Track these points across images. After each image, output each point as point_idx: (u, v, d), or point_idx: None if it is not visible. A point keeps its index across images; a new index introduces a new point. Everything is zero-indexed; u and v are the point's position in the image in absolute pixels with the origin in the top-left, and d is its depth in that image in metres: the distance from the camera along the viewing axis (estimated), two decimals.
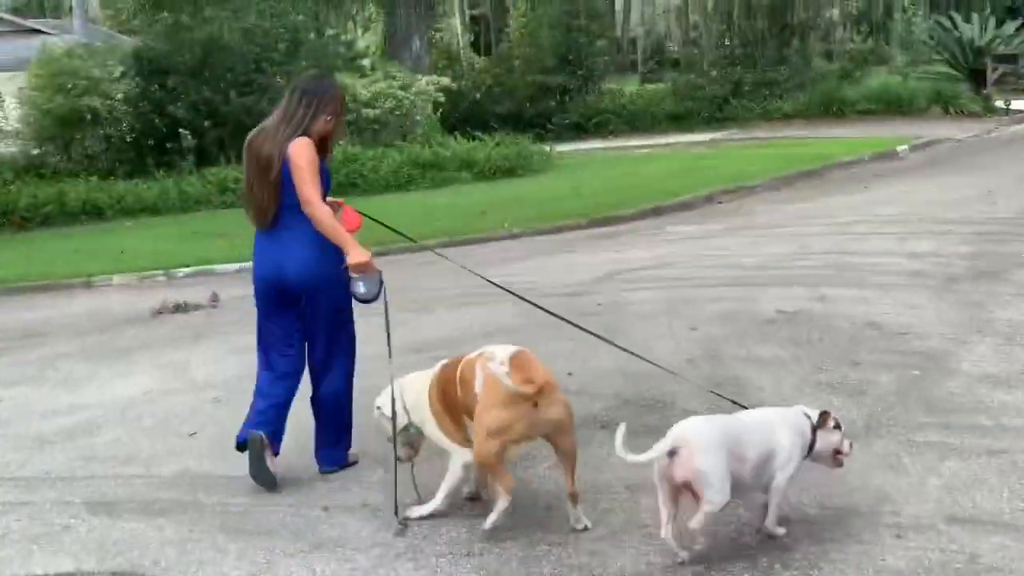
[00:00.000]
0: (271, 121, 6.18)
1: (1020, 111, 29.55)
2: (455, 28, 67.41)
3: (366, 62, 27.78)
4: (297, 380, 6.37)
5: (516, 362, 5.21)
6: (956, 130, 26.15)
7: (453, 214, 17.23)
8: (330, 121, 6.18)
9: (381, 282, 6.06)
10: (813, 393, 7.10)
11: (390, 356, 5.94)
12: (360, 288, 6.03)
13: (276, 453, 6.27)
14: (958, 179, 17.96)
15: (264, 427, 6.16)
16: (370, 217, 6.58)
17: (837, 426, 5.25)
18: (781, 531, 5.08)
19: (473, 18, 74.56)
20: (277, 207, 6.10)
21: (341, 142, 21.93)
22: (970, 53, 32.32)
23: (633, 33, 43.28)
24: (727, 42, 33.03)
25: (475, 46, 71.75)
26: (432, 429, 5.68)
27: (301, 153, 5.98)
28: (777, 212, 15.64)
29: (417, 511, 5.63)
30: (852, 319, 9.02)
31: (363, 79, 24.27)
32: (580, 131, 30.96)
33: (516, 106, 31.77)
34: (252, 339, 6.53)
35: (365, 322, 6.50)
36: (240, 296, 10.83)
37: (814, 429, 5.17)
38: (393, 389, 5.79)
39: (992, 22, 34.26)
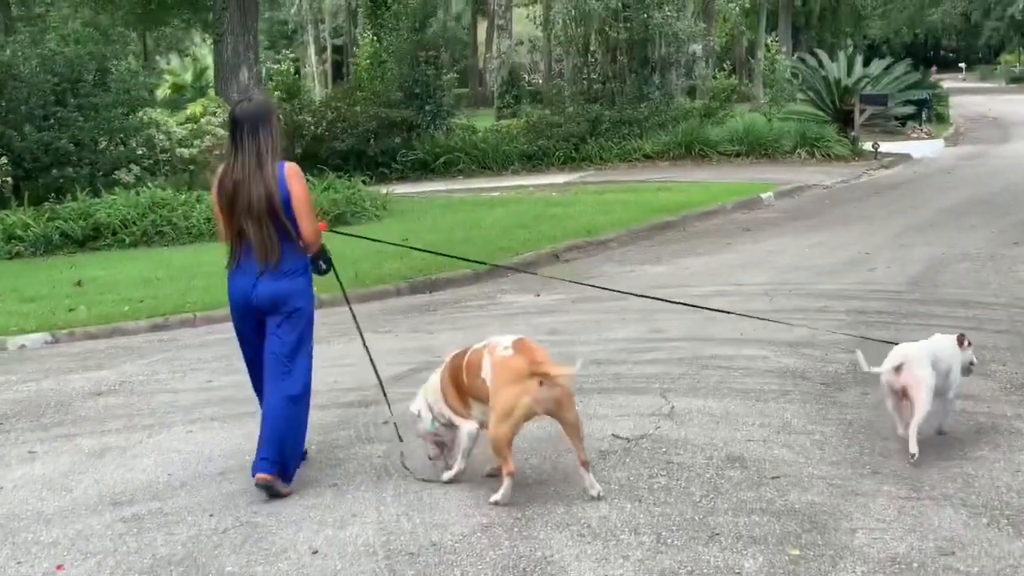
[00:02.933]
0: (239, 162, 6.28)
1: (889, 154, 28.22)
2: (310, 58, 64.88)
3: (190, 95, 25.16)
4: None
5: (519, 346, 6.00)
6: (823, 175, 24.57)
7: None
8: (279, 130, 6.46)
9: (329, 257, 6.88)
10: None
11: (370, 357, 7.31)
12: (323, 266, 6.87)
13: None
14: (830, 236, 16.13)
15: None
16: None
17: (969, 344, 7.04)
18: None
19: (337, 48, 72.29)
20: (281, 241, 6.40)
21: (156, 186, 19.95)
22: (836, 93, 30.95)
23: (490, 65, 41.47)
24: (584, 77, 31.09)
25: (339, 77, 69.35)
26: (445, 410, 6.37)
27: (302, 181, 6.37)
28: (628, 278, 13.55)
29: (447, 475, 6.50)
30: (709, 451, 6.88)
31: (176, 115, 21.68)
32: (427, 170, 28.66)
33: (359, 142, 29.35)
34: None
35: None
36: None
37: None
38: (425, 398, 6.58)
39: (859, 61, 33.07)
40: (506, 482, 6.05)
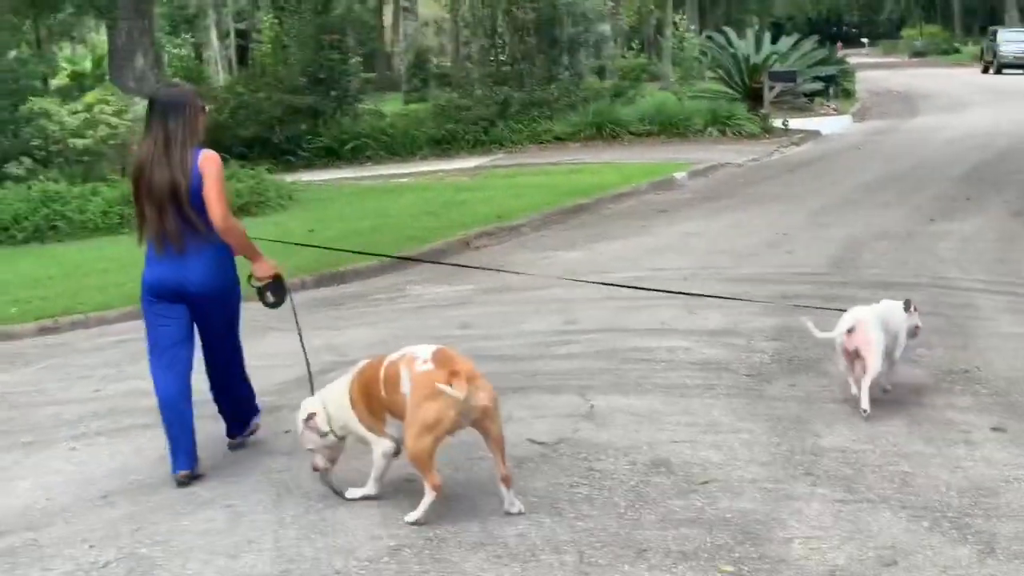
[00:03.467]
0: (149, 148, 6.29)
1: (799, 131, 28.12)
2: (213, 43, 63.62)
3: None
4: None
5: (438, 358, 5.64)
6: (735, 153, 24.33)
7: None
8: (203, 121, 6.45)
9: (286, 289, 6.70)
10: None
11: (307, 359, 6.75)
12: (269, 297, 6.65)
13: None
14: (745, 216, 15.83)
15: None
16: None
17: (915, 309, 7.49)
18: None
19: (241, 33, 70.79)
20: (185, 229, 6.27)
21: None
22: (746, 70, 30.77)
23: (397, 48, 40.79)
24: (492, 59, 30.57)
25: (244, 63, 68.00)
26: (355, 426, 5.95)
27: (218, 169, 6.27)
28: (542, 265, 13.11)
29: (351, 493, 6.03)
30: (633, 455, 6.46)
31: (68, 104, 20.80)
32: (334, 157, 27.94)
33: (264, 130, 28.53)
34: None
35: None
36: None
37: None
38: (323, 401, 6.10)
39: (767, 38, 32.94)
40: (428, 498, 5.62)
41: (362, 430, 5.94)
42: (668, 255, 12.80)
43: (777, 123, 28.13)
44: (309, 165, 27.05)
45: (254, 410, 7.17)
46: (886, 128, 29.85)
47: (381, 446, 5.90)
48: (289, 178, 23.23)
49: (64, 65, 47.00)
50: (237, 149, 26.10)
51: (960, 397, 7.30)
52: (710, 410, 7.21)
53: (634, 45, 39.01)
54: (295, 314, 6.70)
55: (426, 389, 5.51)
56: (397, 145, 28.11)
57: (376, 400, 5.85)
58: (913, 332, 7.47)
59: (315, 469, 6.14)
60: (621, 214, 17.26)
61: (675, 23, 35.73)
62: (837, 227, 14.32)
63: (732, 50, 31.57)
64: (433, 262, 12.38)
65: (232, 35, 67.52)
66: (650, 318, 9.79)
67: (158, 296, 6.43)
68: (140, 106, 21.50)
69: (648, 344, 8.90)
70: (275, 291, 6.66)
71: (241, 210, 19.82)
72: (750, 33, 33.58)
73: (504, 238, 15.66)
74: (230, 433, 7.04)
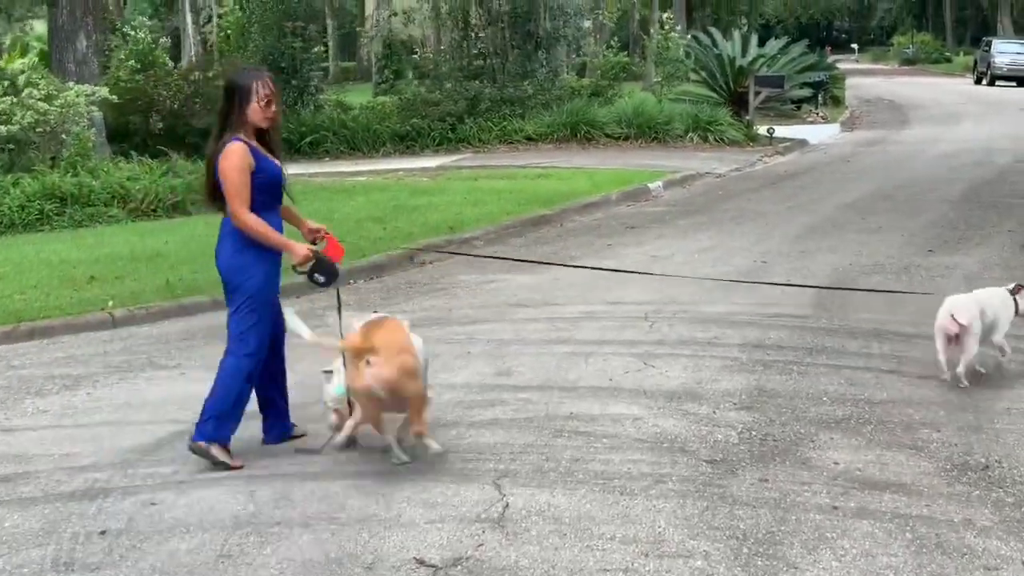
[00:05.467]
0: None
1: (784, 139, 26.55)
2: (188, 28, 61.83)
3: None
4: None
5: (364, 328, 6.21)
6: (716, 162, 22.75)
7: (44, 279, 12.27)
8: (264, 108, 6.34)
9: (332, 265, 6.67)
10: None
11: (341, 335, 6.53)
12: (317, 278, 6.62)
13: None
14: (722, 237, 14.20)
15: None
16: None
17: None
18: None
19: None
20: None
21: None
22: (731, 74, 29.15)
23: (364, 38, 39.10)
24: (464, 53, 28.89)
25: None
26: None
27: (229, 163, 6.27)
28: (488, 290, 11.48)
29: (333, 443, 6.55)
30: None
31: None
32: (292, 151, 26.16)
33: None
34: None
35: None
36: None
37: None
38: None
39: (754, 40, 31.34)
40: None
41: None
42: (630, 286, 11.15)
43: (762, 130, 26.57)
44: None
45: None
46: (876, 139, 28.28)
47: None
48: None
49: (34, 44, 45.03)
50: (192, 139, 24.44)
51: (979, 509, 5.68)
52: (656, 519, 5.58)
53: (613, 43, 37.25)
54: (338, 295, 6.88)
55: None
56: (359, 140, 26.44)
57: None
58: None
59: (331, 428, 6.65)
60: (585, 229, 15.62)
61: (661, 22, 34.04)
62: (823, 255, 12.72)
63: (717, 51, 29.95)
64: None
65: (215, 19, 65.74)
66: (598, 371, 8.16)
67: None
68: (73, 91, 19.78)
69: (590, 410, 7.26)
70: (321, 271, 6.60)
71: (175, 208, 18.26)
72: (737, 35, 31.96)
73: (455, 251, 14.01)
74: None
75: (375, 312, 7.20)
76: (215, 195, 6.46)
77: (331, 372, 6.50)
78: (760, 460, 6.36)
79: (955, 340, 7.69)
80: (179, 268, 12.82)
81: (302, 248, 6.53)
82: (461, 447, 6.68)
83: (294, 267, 6.55)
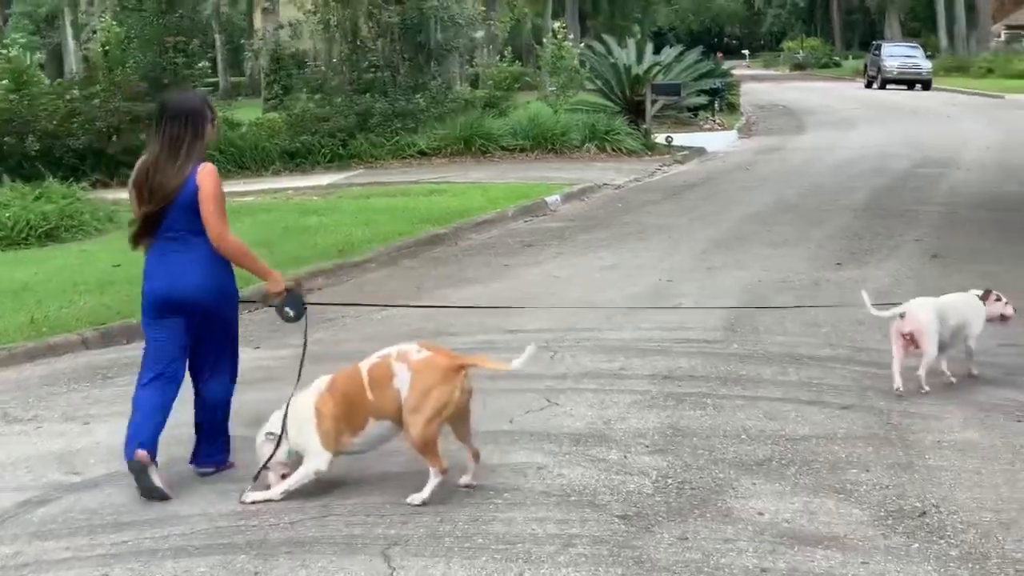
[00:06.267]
0: (154, 153, 6.25)
1: (683, 148, 26.23)
2: (69, 44, 60.09)
3: None
4: (176, 389, 6.42)
5: (426, 346, 6.08)
6: (614, 172, 22.30)
7: None
8: (212, 131, 6.44)
9: (303, 301, 6.62)
10: None
11: (299, 376, 6.39)
12: (286, 312, 6.53)
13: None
14: (625, 254, 13.66)
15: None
16: None
17: (999, 298, 7.88)
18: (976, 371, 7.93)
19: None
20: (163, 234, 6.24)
21: None
22: (627, 82, 28.73)
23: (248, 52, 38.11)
24: (354, 66, 28.09)
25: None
26: (309, 439, 6.02)
27: (212, 185, 6.22)
28: (379, 320, 10.79)
29: (254, 496, 6.04)
30: None
31: None
32: None
33: (98, 140, 25.68)
34: None
35: None
36: None
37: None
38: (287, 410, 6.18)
39: (649, 48, 30.99)
40: (434, 480, 5.94)
41: (314, 441, 6.03)
42: (530, 310, 10.53)
43: (660, 139, 26.24)
44: None
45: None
46: (774, 146, 28.08)
47: (318, 462, 6.05)
48: (122, 195, 20.48)
49: None
50: (70, 161, 23.43)
51: (922, 566, 5.13)
52: None
53: (506, 54, 36.68)
54: (305, 331, 6.63)
55: (432, 374, 5.87)
56: (247, 158, 25.46)
57: (360, 406, 6.01)
58: (999, 318, 7.95)
59: (265, 487, 6.13)
60: (482, 247, 14.98)
61: (554, 30, 33.56)
62: (729, 271, 12.23)
63: (612, 60, 29.53)
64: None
65: (97, 35, 64.05)
66: (496, 411, 7.50)
67: (156, 310, 6.34)
68: None
69: (489, 459, 6.58)
70: (292, 305, 6.53)
71: (48, 236, 17.23)
72: (631, 43, 31.57)
73: (343, 277, 13.31)
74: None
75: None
76: (150, 228, 6.25)
77: (274, 435, 6.15)
78: (678, 514, 5.76)
79: (914, 344, 7.57)
80: (47, 303, 11.89)
81: (281, 280, 6.51)
82: (347, 508, 5.98)
83: (268, 296, 6.58)
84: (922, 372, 7.58)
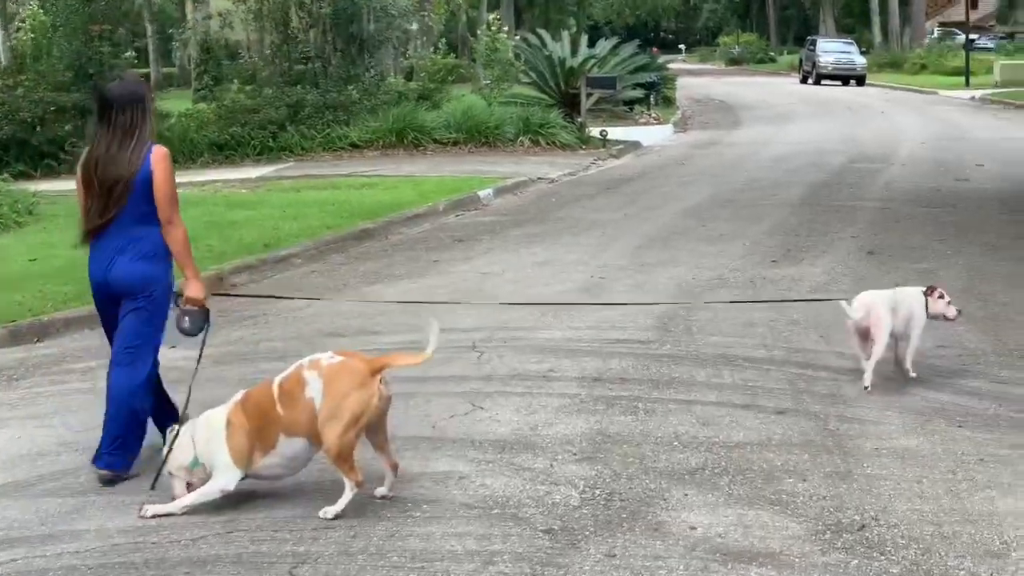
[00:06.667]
0: (104, 141, 6.16)
1: (618, 142, 25.93)
2: None
3: None
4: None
5: (340, 353, 5.75)
6: (548, 166, 21.99)
7: None
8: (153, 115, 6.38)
9: (207, 320, 6.34)
10: None
11: (189, 394, 6.18)
12: (186, 323, 6.26)
13: None
14: (557, 250, 13.35)
15: None
16: None
17: (941, 296, 7.76)
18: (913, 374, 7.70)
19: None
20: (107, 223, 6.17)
21: None
22: (561, 75, 28.44)
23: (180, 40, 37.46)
24: (285, 56, 27.57)
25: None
26: (218, 452, 5.67)
27: (169, 170, 6.17)
28: (302, 317, 10.41)
29: (154, 509, 5.67)
30: None
31: None
32: None
33: (21, 130, 24.99)
34: None
35: None
36: None
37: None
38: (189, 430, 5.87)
39: (584, 41, 30.72)
40: (349, 494, 5.60)
41: (223, 456, 5.69)
42: (458, 308, 10.19)
43: (595, 133, 25.92)
44: (74, 171, 23.74)
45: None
46: (709, 140, 27.92)
47: (225, 480, 5.70)
48: (44, 186, 20.05)
49: None
50: None
51: None
52: None
53: (441, 46, 36.28)
54: (201, 349, 6.40)
55: (347, 380, 5.52)
56: (175, 150, 24.62)
57: (272, 422, 5.65)
58: (942, 317, 7.81)
59: (174, 499, 5.80)
60: (412, 242, 14.62)
61: (488, 23, 33.24)
62: (663, 269, 11.96)
63: (547, 52, 29.22)
64: None
65: (26, 24, 62.80)
66: (419, 416, 7.17)
67: (97, 295, 6.34)
68: None
69: (409, 467, 6.24)
70: (194, 319, 6.29)
71: None
72: (566, 35, 31.29)
73: (268, 272, 12.89)
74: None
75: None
76: (106, 215, 6.14)
77: (175, 435, 5.87)
78: (606, 527, 5.45)
79: (869, 336, 7.54)
80: None
81: (202, 289, 6.36)
82: (254, 523, 5.61)
83: (180, 299, 6.29)
84: (870, 365, 7.50)
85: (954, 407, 7.27)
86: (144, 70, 48.46)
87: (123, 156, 6.11)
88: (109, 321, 6.39)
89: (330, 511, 5.59)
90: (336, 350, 5.85)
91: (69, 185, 20.23)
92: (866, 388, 7.46)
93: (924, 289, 7.86)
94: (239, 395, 5.90)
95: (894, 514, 5.57)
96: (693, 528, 5.42)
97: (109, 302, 6.31)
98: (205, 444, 5.76)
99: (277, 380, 5.76)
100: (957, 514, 5.58)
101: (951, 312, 7.80)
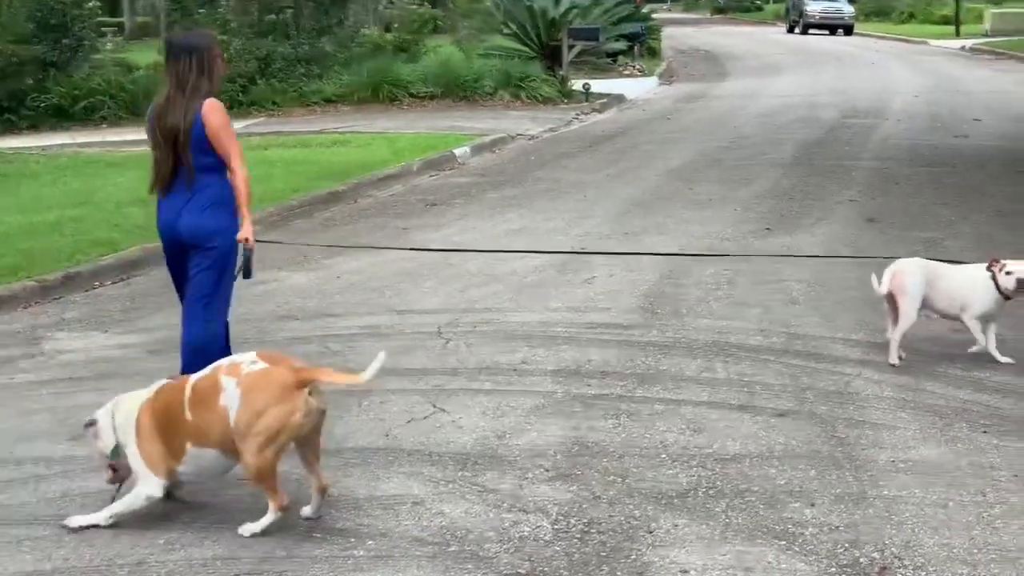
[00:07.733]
0: (164, 91, 6.23)
1: (601, 95, 25.05)
2: None
3: None
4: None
5: (265, 358, 5.09)
6: (529, 122, 21.11)
7: None
8: (223, 66, 6.35)
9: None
10: None
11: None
12: (252, 265, 6.32)
13: None
14: (535, 216, 12.49)
15: None
16: None
17: (1007, 271, 6.97)
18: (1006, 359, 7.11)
19: None
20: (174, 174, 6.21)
21: None
22: (542, 26, 27.45)
23: None
24: (255, 6, 26.52)
25: None
26: (132, 452, 5.13)
27: (221, 119, 6.16)
28: (254, 296, 9.48)
29: (78, 520, 5.10)
30: None
31: None
32: (64, 118, 23.61)
33: None
34: None
35: None
36: None
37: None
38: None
39: None
40: (271, 516, 4.95)
41: (137, 461, 5.12)
42: (425, 283, 9.34)
43: (577, 86, 24.99)
44: (34, 127, 22.84)
45: None
46: (695, 93, 26.99)
47: (148, 488, 5.11)
48: (3, 143, 19.15)
49: None
50: None
51: None
52: None
53: None
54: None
55: (266, 392, 4.87)
56: (140, 105, 23.82)
57: (178, 427, 5.06)
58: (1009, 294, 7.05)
59: (108, 483, 5.30)
60: (381, 207, 13.74)
61: None
62: (648, 238, 11.11)
63: (528, 3, 28.19)
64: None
65: None
66: (372, 421, 6.32)
67: (166, 246, 6.35)
68: None
69: (355, 491, 5.40)
70: (248, 261, 6.29)
71: None
72: None
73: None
74: None
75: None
76: (169, 166, 6.14)
77: (95, 424, 5.27)
78: (582, 569, 4.63)
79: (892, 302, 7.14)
80: None
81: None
82: (169, 560, 4.77)
83: (243, 241, 6.21)
84: (895, 339, 7.11)
85: (977, 407, 6.45)
86: (119, 19, 47.16)
87: (178, 107, 6.12)
88: (179, 275, 6.39)
89: (248, 529, 4.98)
90: (261, 352, 5.17)
91: (30, 142, 19.39)
92: (892, 364, 7.06)
93: (987, 265, 7.15)
94: (158, 384, 5.34)
95: (919, 550, 4.75)
96: (685, 572, 4.60)
97: (179, 254, 6.29)
98: (124, 439, 5.19)
99: (192, 380, 5.17)
100: (993, 550, 4.76)
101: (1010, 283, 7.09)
